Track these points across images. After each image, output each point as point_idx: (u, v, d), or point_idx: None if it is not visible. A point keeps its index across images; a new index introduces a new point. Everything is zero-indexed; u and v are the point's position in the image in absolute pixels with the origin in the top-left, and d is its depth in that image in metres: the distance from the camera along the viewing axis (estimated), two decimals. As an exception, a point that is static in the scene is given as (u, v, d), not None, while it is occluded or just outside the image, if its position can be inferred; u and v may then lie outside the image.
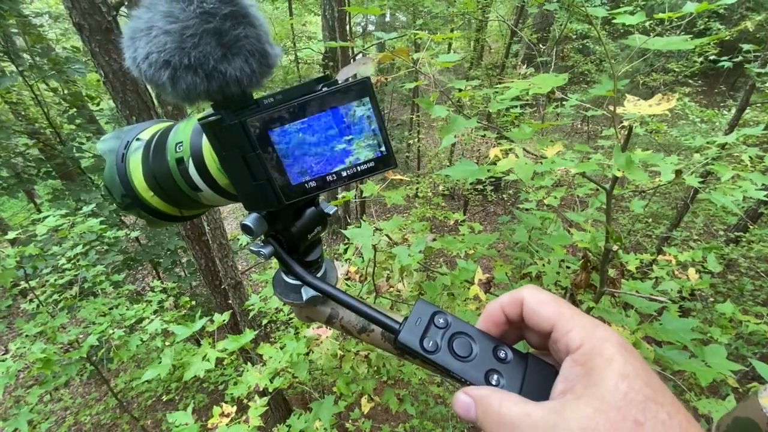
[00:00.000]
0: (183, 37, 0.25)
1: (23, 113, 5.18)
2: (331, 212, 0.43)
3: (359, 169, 0.33)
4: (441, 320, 0.33)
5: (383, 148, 0.33)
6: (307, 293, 0.41)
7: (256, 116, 0.29)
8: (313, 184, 0.33)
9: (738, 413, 0.43)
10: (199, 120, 0.30)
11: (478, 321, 0.33)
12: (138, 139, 0.39)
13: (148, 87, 0.28)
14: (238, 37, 0.27)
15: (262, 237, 0.39)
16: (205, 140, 0.34)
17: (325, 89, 0.30)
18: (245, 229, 0.36)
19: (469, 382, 0.30)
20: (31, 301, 2.72)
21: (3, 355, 2.19)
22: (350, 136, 0.32)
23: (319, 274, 0.44)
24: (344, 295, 0.37)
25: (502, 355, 0.31)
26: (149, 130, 0.40)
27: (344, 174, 0.33)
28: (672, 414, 0.22)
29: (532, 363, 0.30)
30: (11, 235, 2.44)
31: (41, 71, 4.30)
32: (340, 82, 0.31)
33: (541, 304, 0.29)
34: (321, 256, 0.44)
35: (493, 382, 0.29)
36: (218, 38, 0.26)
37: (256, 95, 0.32)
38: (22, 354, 2.22)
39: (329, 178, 0.33)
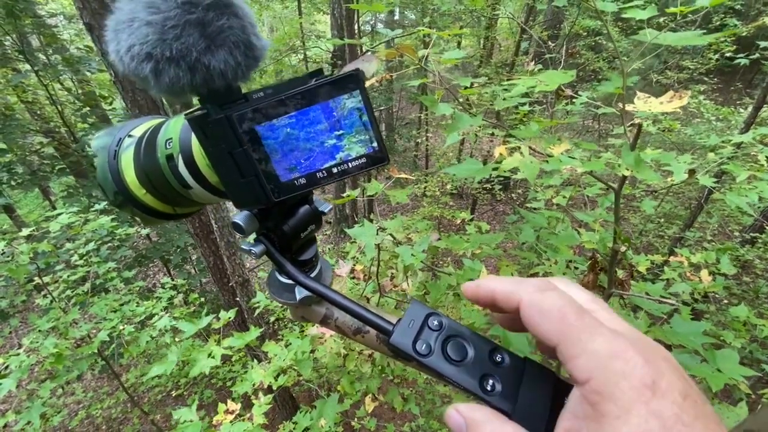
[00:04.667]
0: (165, 29, 0.25)
1: (39, 112, 5.29)
2: (326, 210, 0.42)
3: (350, 166, 0.32)
4: (435, 322, 0.32)
5: (375, 144, 0.32)
6: (300, 293, 0.40)
7: (243, 110, 0.29)
8: (302, 181, 0.32)
9: (748, 425, 0.41)
10: (185, 115, 0.30)
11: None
12: (130, 136, 0.39)
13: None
14: (221, 28, 0.26)
15: (254, 235, 0.38)
16: (194, 136, 0.33)
17: (314, 82, 0.29)
18: (236, 227, 0.35)
19: (464, 386, 0.29)
20: (45, 296, 2.78)
21: (17, 349, 2.23)
22: (340, 131, 0.31)
23: (313, 274, 0.43)
24: (337, 296, 0.36)
25: (498, 358, 0.29)
26: (141, 127, 0.39)
27: (335, 170, 0.32)
28: None
29: (530, 368, 0.29)
30: (25, 232, 2.49)
31: (55, 70, 4.38)
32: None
33: (542, 317, 0.23)
34: (315, 255, 0.43)
35: (488, 387, 0.28)
36: (201, 29, 0.26)
37: (247, 90, 0.31)
38: (35, 348, 2.26)
39: (319, 174, 0.32)
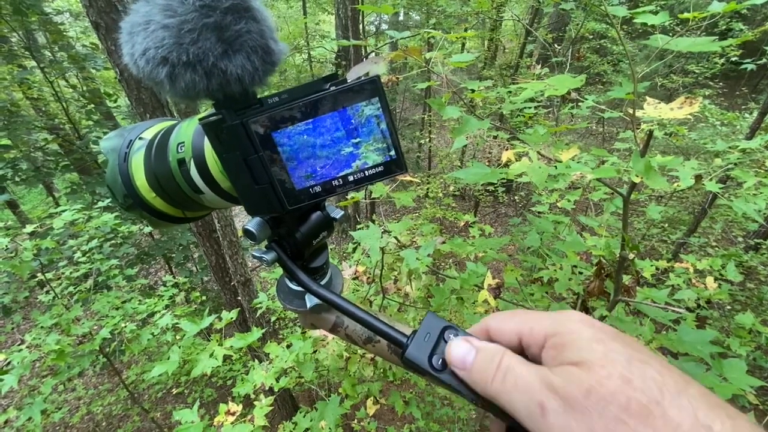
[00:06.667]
0: (181, 32, 0.24)
1: (43, 109, 5.30)
2: (338, 217, 0.41)
3: (367, 174, 0.31)
4: (452, 336, 0.31)
5: (392, 152, 0.31)
6: (311, 301, 0.40)
7: (259, 116, 0.28)
8: (318, 189, 0.32)
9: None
10: (199, 120, 0.29)
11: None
12: (141, 138, 0.38)
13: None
14: (239, 32, 0.25)
15: (265, 242, 0.38)
16: (207, 141, 0.32)
17: (332, 89, 0.29)
18: (248, 234, 0.35)
19: (480, 404, 0.28)
20: (47, 293, 2.78)
21: (19, 345, 2.24)
22: (358, 139, 0.30)
23: (324, 281, 0.43)
24: (349, 305, 0.36)
25: None
26: (152, 129, 0.39)
27: (351, 179, 0.32)
28: (662, 372, 0.20)
29: None
30: (29, 228, 2.50)
31: (61, 67, 4.39)
32: (349, 81, 0.29)
33: (502, 321, 0.28)
34: (326, 262, 0.42)
35: None
36: (219, 33, 0.25)
37: (261, 94, 0.31)
38: (38, 345, 2.26)
39: (335, 182, 0.32)
